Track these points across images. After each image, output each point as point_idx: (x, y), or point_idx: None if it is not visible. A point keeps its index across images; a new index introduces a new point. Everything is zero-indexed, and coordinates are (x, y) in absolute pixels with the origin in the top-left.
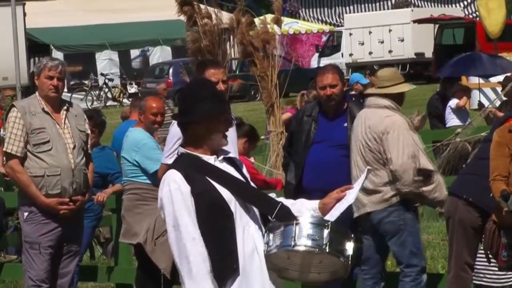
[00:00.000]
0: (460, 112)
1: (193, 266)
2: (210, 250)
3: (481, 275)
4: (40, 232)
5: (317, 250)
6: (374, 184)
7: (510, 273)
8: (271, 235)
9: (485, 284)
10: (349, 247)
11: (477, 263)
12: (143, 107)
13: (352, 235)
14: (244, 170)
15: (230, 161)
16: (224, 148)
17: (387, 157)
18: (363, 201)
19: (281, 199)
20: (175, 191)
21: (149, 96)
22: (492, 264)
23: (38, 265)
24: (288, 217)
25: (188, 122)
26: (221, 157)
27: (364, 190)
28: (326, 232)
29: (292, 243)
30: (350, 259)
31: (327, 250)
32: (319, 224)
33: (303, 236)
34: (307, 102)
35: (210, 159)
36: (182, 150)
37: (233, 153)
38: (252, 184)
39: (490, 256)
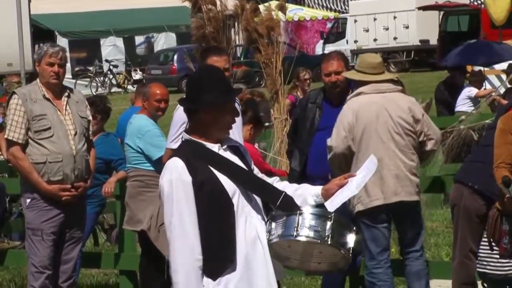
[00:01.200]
0: (474, 100)
1: (177, 256)
2: (208, 240)
3: (485, 263)
4: (43, 218)
5: (319, 241)
6: (412, 169)
7: None
8: (273, 224)
9: (489, 272)
10: (351, 239)
11: (480, 251)
12: (146, 94)
13: (354, 227)
14: (249, 159)
15: (235, 149)
16: (230, 135)
17: (428, 134)
18: (410, 188)
19: (285, 183)
20: (177, 180)
21: (153, 82)
22: (495, 252)
23: (41, 252)
24: (291, 207)
25: (195, 109)
26: (225, 145)
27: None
28: (329, 224)
29: (295, 233)
30: (350, 251)
31: (329, 242)
32: (322, 215)
33: (306, 227)
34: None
35: (214, 147)
36: (186, 136)
37: (239, 140)
38: (257, 172)
39: (493, 243)
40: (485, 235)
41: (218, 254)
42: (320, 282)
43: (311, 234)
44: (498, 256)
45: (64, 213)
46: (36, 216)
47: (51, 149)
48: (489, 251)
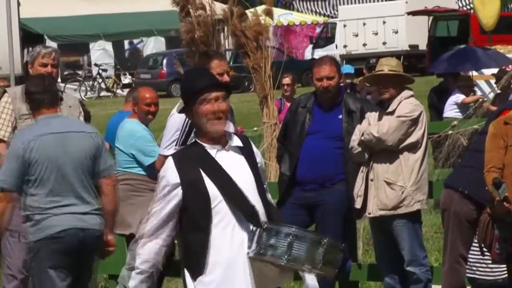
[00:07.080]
0: (461, 106)
1: (136, 259)
2: (187, 241)
3: (474, 268)
4: (23, 220)
5: (276, 260)
6: None
7: (503, 266)
8: (253, 237)
9: (478, 277)
10: (318, 255)
11: (470, 256)
12: (136, 98)
13: (325, 241)
14: (257, 158)
15: (242, 149)
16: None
17: None
18: None
19: None
20: (163, 178)
21: (142, 86)
22: (485, 257)
23: (15, 253)
24: (257, 222)
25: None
26: (228, 145)
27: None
28: (288, 240)
29: (255, 249)
30: (318, 266)
31: (284, 262)
32: (283, 232)
33: (265, 244)
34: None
35: (213, 149)
36: (194, 138)
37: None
38: (260, 172)
39: (484, 249)
40: (475, 240)
41: (193, 256)
42: None
43: (269, 252)
44: (488, 262)
45: None
46: (16, 217)
47: None
48: (479, 256)
